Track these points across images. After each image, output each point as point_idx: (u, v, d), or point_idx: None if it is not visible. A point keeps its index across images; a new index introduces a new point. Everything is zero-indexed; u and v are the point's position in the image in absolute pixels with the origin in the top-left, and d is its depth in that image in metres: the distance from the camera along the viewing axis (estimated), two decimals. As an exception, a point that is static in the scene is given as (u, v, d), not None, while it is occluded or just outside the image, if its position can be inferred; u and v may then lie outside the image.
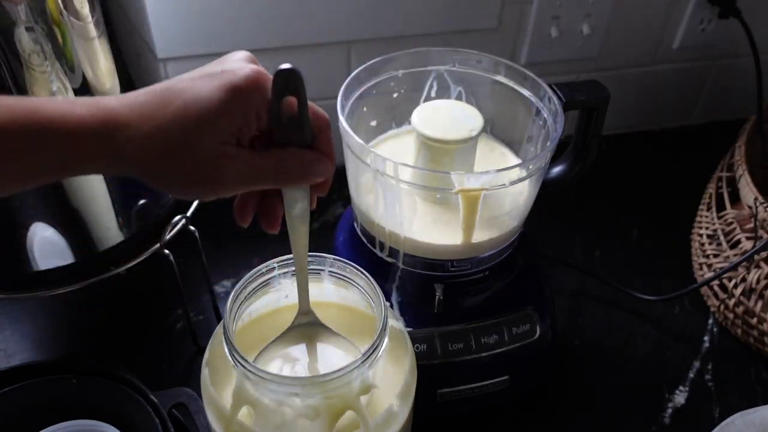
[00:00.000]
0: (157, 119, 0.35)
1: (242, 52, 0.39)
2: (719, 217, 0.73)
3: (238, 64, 0.38)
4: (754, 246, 0.66)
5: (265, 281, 0.48)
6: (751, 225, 0.67)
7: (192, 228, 0.61)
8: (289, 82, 0.37)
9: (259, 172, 0.38)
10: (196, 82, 0.36)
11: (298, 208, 0.42)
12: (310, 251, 0.47)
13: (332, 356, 0.48)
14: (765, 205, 0.65)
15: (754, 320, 0.68)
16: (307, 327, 0.49)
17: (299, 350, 0.48)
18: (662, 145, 0.98)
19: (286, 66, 0.36)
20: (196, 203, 0.63)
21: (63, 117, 0.34)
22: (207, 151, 0.36)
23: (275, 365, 0.47)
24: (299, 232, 0.44)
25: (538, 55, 0.85)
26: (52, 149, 0.34)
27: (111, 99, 0.36)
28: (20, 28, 0.44)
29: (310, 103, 0.39)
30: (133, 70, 0.54)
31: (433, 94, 0.63)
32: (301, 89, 0.37)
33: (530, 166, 0.53)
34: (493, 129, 0.64)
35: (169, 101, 0.35)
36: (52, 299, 0.71)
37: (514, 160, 0.63)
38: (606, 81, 0.59)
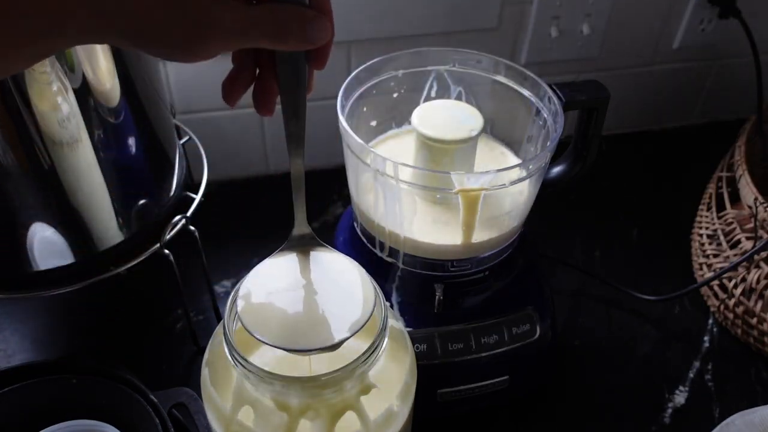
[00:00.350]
0: None
1: None
2: (719, 217, 0.73)
3: None
4: (754, 246, 0.66)
5: (265, 281, 0.48)
6: (751, 225, 0.67)
7: (192, 228, 0.61)
8: None
9: (254, 23, 0.35)
10: None
11: (295, 86, 0.39)
12: (310, 251, 0.47)
13: (329, 276, 0.45)
14: (765, 205, 0.65)
15: (754, 320, 0.68)
16: (302, 246, 0.46)
17: (294, 270, 0.45)
18: (662, 145, 0.98)
19: None
20: (196, 203, 0.63)
21: None
22: None
23: (268, 286, 0.44)
24: (296, 123, 0.41)
25: (538, 55, 0.85)
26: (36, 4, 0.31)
27: None
28: (20, 28, 0.44)
29: None
30: (133, 70, 0.54)
31: (433, 94, 0.63)
32: None
33: (530, 166, 0.53)
34: (493, 129, 0.64)
35: None
36: (52, 299, 0.71)
37: (514, 160, 0.63)
38: (606, 81, 0.59)
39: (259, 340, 0.40)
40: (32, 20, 0.31)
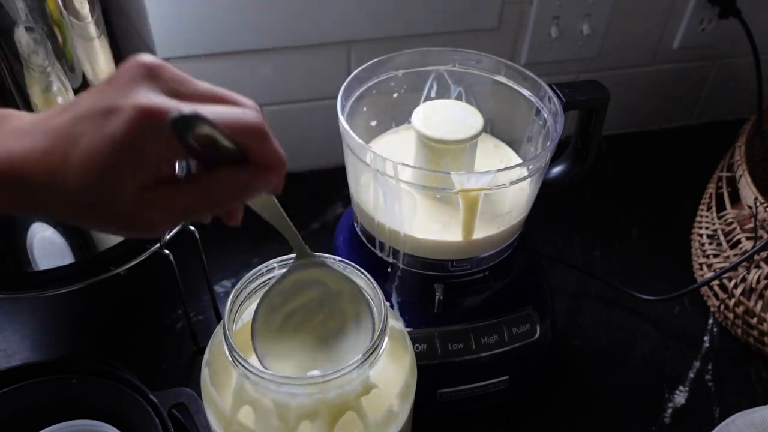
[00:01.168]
0: (62, 176, 0.32)
1: (135, 64, 0.33)
2: (719, 217, 0.73)
3: (124, 98, 0.32)
4: (754, 246, 0.66)
5: (265, 281, 0.48)
6: (751, 225, 0.67)
7: (192, 228, 0.61)
8: (187, 128, 0.31)
9: (188, 207, 0.33)
10: (89, 124, 0.32)
11: (260, 204, 0.40)
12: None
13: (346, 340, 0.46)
14: (765, 205, 0.65)
15: (754, 320, 0.68)
16: (307, 279, 0.46)
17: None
18: (662, 145, 0.98)
19: (175, 114, 0.30)
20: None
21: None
22: (125, 203, 0.32)
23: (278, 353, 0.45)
24: (277, 222, 0.42)
25: (538, 55, 0.85)
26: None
27: (13, 144, 0.32)
28: (20, 28, 0.44)
29: (230, 114, 0.33)
30: (133, 70, 0.54)
31: (433, 94, 0.63)
32: (206, 128, 0.31)
33: (530, 166, 0.53)
34: (493, 129, 0.64)
35: (68, 152, 0.31)
36: (52, 299, 0.71)
37: (515, 159, 0.63)
38: (606, 81, 0.59)
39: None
40: None
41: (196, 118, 0.30)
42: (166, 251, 0.59)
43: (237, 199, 0.35)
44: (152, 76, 0.33)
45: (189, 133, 0.31)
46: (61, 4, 0.45)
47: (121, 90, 0.32)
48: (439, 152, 0.56)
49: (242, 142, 0.33)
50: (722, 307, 0.72)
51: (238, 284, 0.46)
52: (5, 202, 0.33)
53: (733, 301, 0.70)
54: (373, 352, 0.42)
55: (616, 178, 0.91)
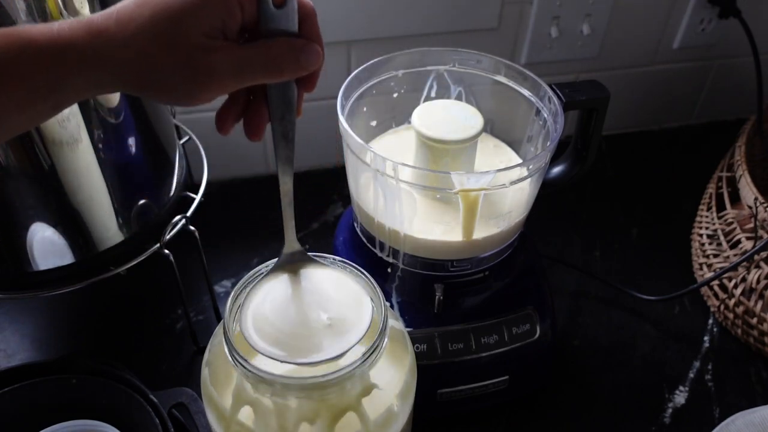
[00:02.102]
0: (136, 19, 0.34)
1: None
2: (719, 217, 0.73)
3: None
4: (754, 246, 0.66)
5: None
6: (751, 225, 0.67)
7: (192, 228, 0.61)
8: None
9: (249, 62, 0.36)
10: None
11: (285, 111, 0.40)
12: (310, 251, 0.47)
13: (324, 291, 0.46)
14: (765, 205, 0.65)
15: (754, 320, 0.68)
16: (294, 262, 0.47)
17: (290, 287, 0.46)
18: (662, 145, 0.98)
19: None
20: (196, 203, 0.63)
21: (44, 34, 0.33)
22: (192, 43, 0.34)
23: (267, 306, 0.44)
24: (285, 145, 0.42)
25: (538, 55, 0.85)
26: (38, 69, 0.33)
27: (93, 15, 0.35)
28: (20, 28, 0.44)
29: None
30: (133, 70, 0.54)
31: (433, 94, 0.63)
32: None
33: (530, 166, 0.53)
34: (493, 129, 0.64)
35: (147, 1, 0.34)
36: (52, 299, 0.71)
37: (515, 159, 0.63)
38: (606, 81, 0.59)
39: (271, 357, 0.41)
40: (28, 83, 0.33)
41: None
42: (166, 251, 0.59)
43: (293, 64, 0.37)
44: None
45: None
46: (61, 4, 0.45)
47: None
48: (439, 152, 0.56)
49: (302, 12, 0.37)
50: (722, 307, 0.72)
51: (238, 284, 0.46)
52: (78, 63, 0.34)
53: (733, 301, 0.70)
54: (373, 352, 0.42)
55: (616, 178, 0.91)
